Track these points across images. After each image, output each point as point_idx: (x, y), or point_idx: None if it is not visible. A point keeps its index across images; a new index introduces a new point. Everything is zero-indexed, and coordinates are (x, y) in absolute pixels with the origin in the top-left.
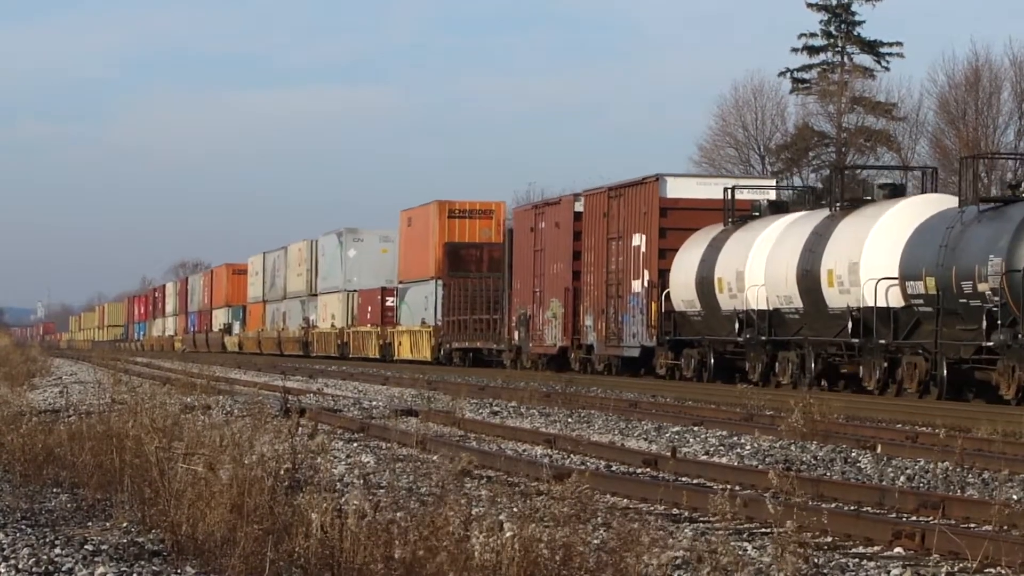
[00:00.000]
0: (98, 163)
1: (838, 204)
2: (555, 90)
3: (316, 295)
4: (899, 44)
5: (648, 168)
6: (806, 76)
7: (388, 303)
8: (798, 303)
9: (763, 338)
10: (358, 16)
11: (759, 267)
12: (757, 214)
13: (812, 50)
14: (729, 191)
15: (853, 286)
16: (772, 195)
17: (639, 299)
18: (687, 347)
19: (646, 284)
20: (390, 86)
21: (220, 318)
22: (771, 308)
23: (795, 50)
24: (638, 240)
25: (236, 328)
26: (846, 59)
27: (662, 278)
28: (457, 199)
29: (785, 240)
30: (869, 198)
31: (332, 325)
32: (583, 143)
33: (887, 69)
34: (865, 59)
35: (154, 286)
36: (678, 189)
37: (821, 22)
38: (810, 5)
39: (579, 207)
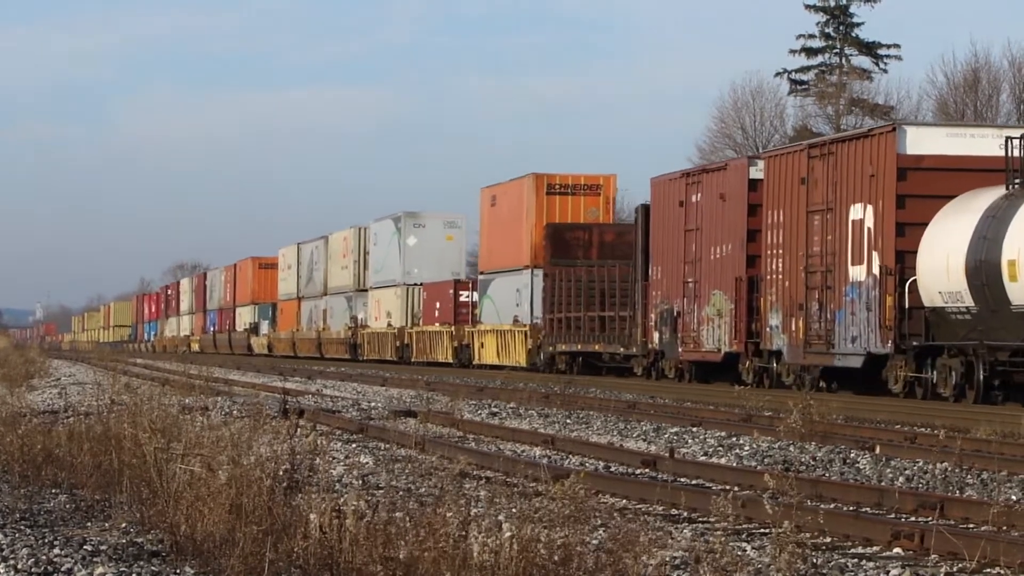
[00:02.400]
0: (97, 164)
1: None
2: (555, 90)
3: (366, 290)
4: (897, 46)
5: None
6: (804, 78)
7: (463, 298)
8: None
9: None
10: (358, 16)
11: None
12: None
13: (810, 51)
14: (1015, 142)
15: None
16: None
17: (863, 291)
18: (941, 355)
19: (876, 271)
20: (390, 86)
21: (245, 317)
22: None
23: (793, 51)
24: (859, 212)
25: (264, 328)
26: (844, 60)
27: (900, 262)
28: (557, 172)
29: None
30: None
31: (388, 324)
32: (583, 143)
33: (885, 71)
34: (863, 61)
35: (167, 283)
36: (922, 143)
37: (819, 23)
38: (808, 6)
39: (756, 173)
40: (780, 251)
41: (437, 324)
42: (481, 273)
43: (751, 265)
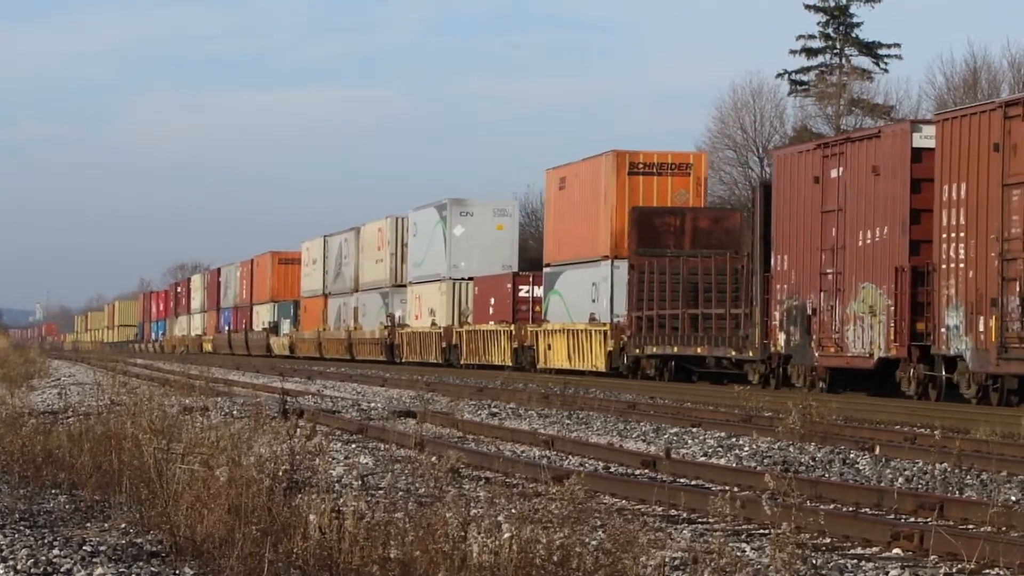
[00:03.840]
0: (97, 164)
1: None
2: (555, 90)
3: (405, 285)
4: (897, 46)
5: None
6: (804, 78)
7: (522, 293)
8: None
9: None
10: (358, 16)
11: None
12: None
13: (810, 52)
14: None
15: None
16: None
17: None
18: None
19: None
20: (389, 86)
21: (263, 315)
22: None
23: (793, 52)
24: None
25: (285, 327)
26: (844, 61)
27: None
28: (639, 149)
29: None
30: None
31: (433, 323)
32: (582, 143)
33: (885, 71)
34: (863, 61)
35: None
36: None
37: (819, 24)
38: (808, 7)
39: (923, 140)
40: (961, 234)
41: (492, 323)
42: (547, 265)
43: (915, 252)
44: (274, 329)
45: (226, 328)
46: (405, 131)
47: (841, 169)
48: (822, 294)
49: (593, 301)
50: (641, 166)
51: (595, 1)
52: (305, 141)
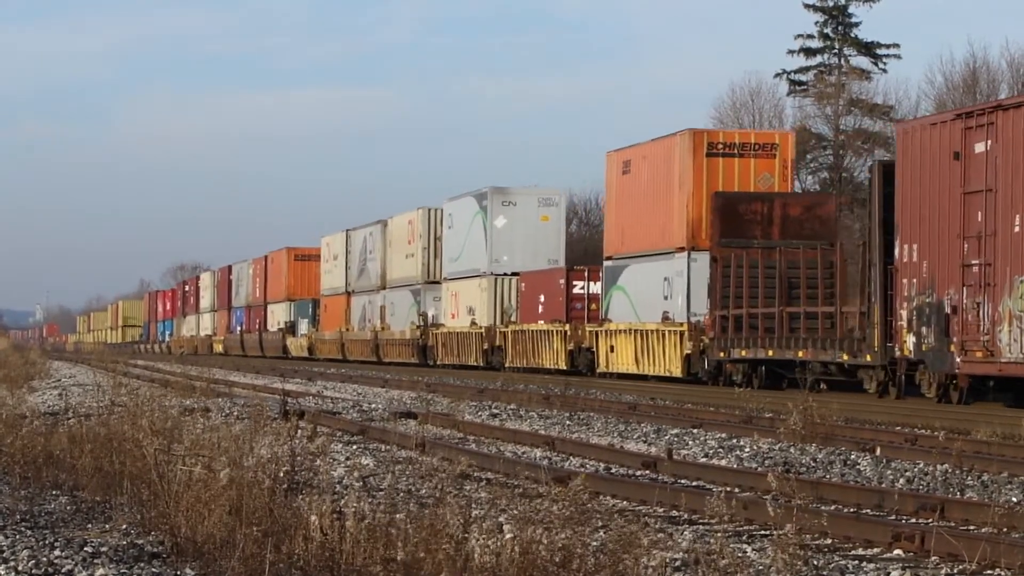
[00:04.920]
0: (96, 165)
1: None
2: (554, 90)
3: (439, 282)
4: (896, 46)
5: None
6: (803, 78)
7: (577, 289)
8: None
9: None
10: (358, 16)
11: None
12: None
13: (809, 52)
14: None
15: None
16: None
17: None
18: None
19: None
20: (389, 86)
21: (279, 315)
22: None
23: (792, 52)
24: None
25: (303, 327)
26: (843, 61)
27: None
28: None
29: None
30: None
31: (472, 323)
32: (582, 143)
33: (884, 71)
34: (862, 61)
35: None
36: None
37: (818, 23)
38: (807, 6)
39: None
40: None
41: (542, 322)
42: (608, 258)
43: None
44: (291, 329)
45: (238, 328)
46: (405, 131)
47: (989, 142)
48: (965, 289)
49: (666, 298)
50: (721, 146)
51: (595, 1)
52: (305, 141)
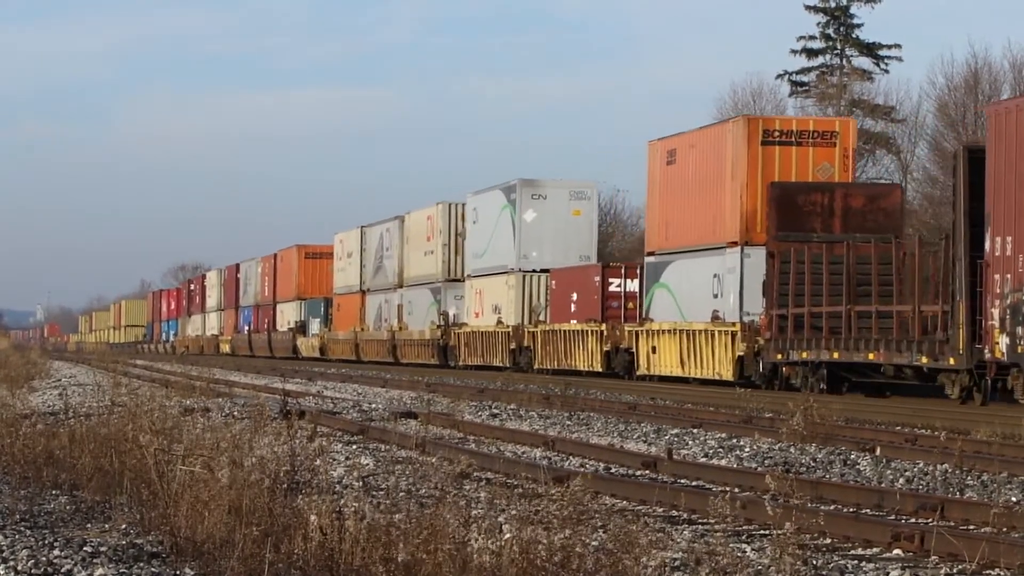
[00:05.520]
0: (97, 165)
1: None
2: (554, 90)
3: (461, 279)
4: (898, 47)
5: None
6: (805, 79)
7: (613, 287)
8: None
9: None
10: (357, 17)
11: None
12: None
13: (811, 52)
14: None
15: None
16: None
17: None
18: None
19: None
20: (389, 87)
21: (288, 314)
22: None
23: (794, 52)
24: None
25: (314, 327)
26: (845, 62)
27: None
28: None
29: None
30: None
31: (499, 321)
32: (582, 143)
33: (886, 71)
34: (864, 61)
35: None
36: None
37: (819, 24)
38: (808, 7)
39: None
40: None
41: (575, 321)
42: (650, 254)
43: None
44: (301, 329)
45: (246, 328)
46: (405, 131)
47: None
48: None
49: (715, 296)
50: (777, 134)
51: (595, 1)
52: (305, 141)
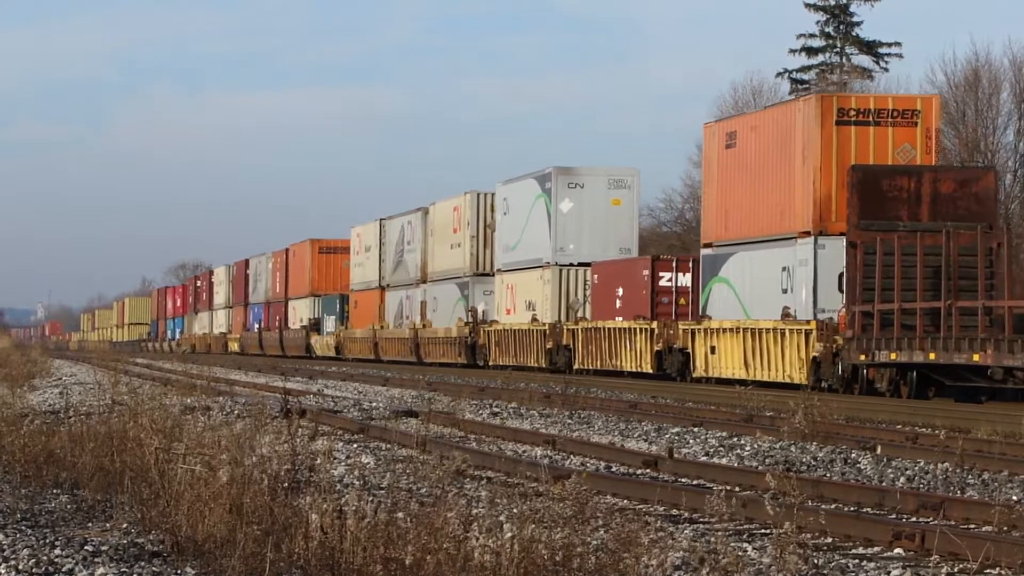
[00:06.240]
0: (97, 164)
1: None
2: (554, 90)
3: (490, 274)
4: (898, 45)
5: (648, 169)
6: (805, 77)
7: (664, 282)
8: None
9: None
10: (357, 17)
11: None
12: None
13: (811, 51)
14: None
15: None
16: None
17: None
18: None
19: None
20: (388, 87)
21: (301, 311)
22: None
23: (793, 51)
24: None
25: (330, 325)
26: (845, 60)
27: None
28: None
29: None
30: None
31: (533, 318)
32: (582, 143)
33: (886, 70)
34: (864, 60)
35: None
36: None
37: (819, 23)
38: (808, 5)
39: None
40: None
41: (621, 318)
42: (706, 246)
43: None
44: (315, 327)
45: (256, 326)
46: (404, 131)
47: None
48: None
49: (784, 291)
50: (853, 113)
51: (595, 1)
52: (305, 142)
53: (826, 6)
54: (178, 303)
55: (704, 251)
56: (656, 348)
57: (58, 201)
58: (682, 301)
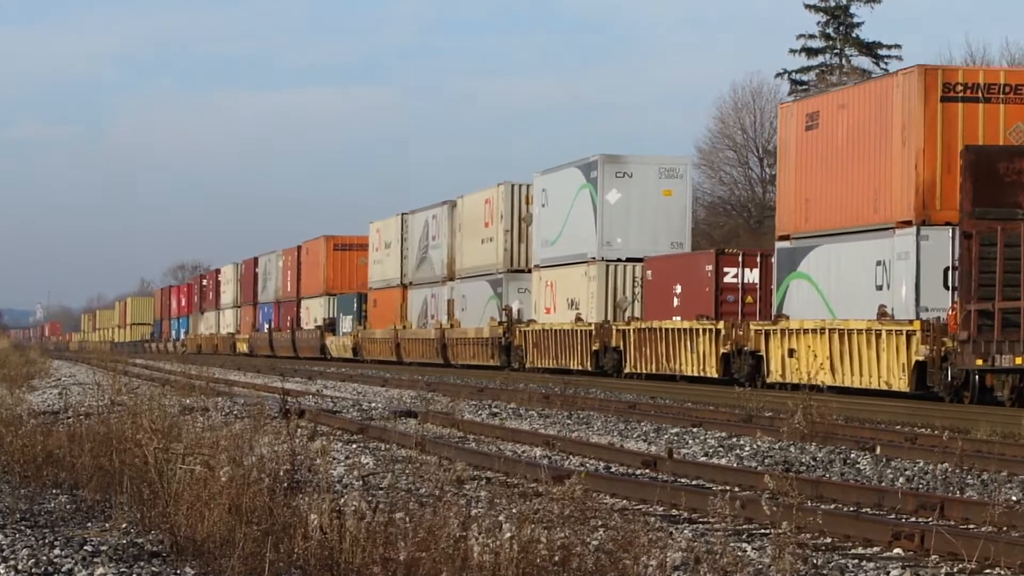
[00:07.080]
0: (97, 164)
1: None
2: (554, 90)
3: (526, 271)
4: (898, 46)
5: None
6: (804, 78)
7: (729, 277)
8: None
9: None
10: (357, 17)
11: None
12: None
13: (810, 52)
14: None
15: None
16: None
17: None
18: None
19: None
20: (388, 87)
21: (315, 311)
22: None
23: (793, 51)
24: None
25: (346, 325)
26: (844, 61)
27: None
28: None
29: None
30: None
31: (577, 318)
32: (582, 143)
33: (886, 71)
34: (863, 61)
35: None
36: None
37: (819, 24)
38: (808, 7)
39: None
40: None
41: (679, 318)
42: (783, 238)
43: None
44: (330, 327)
45: (266, 326)
46: (404, 131)
47: None
48: None
49: (879, 288)
50: (960, 88)
51: (595, 1)
52: (304, 142)
53: (826, 7)
54: (183, 302)
55: (780, 244)
56: (723, 351)
57: (57, 201)
58: (749, 299)
